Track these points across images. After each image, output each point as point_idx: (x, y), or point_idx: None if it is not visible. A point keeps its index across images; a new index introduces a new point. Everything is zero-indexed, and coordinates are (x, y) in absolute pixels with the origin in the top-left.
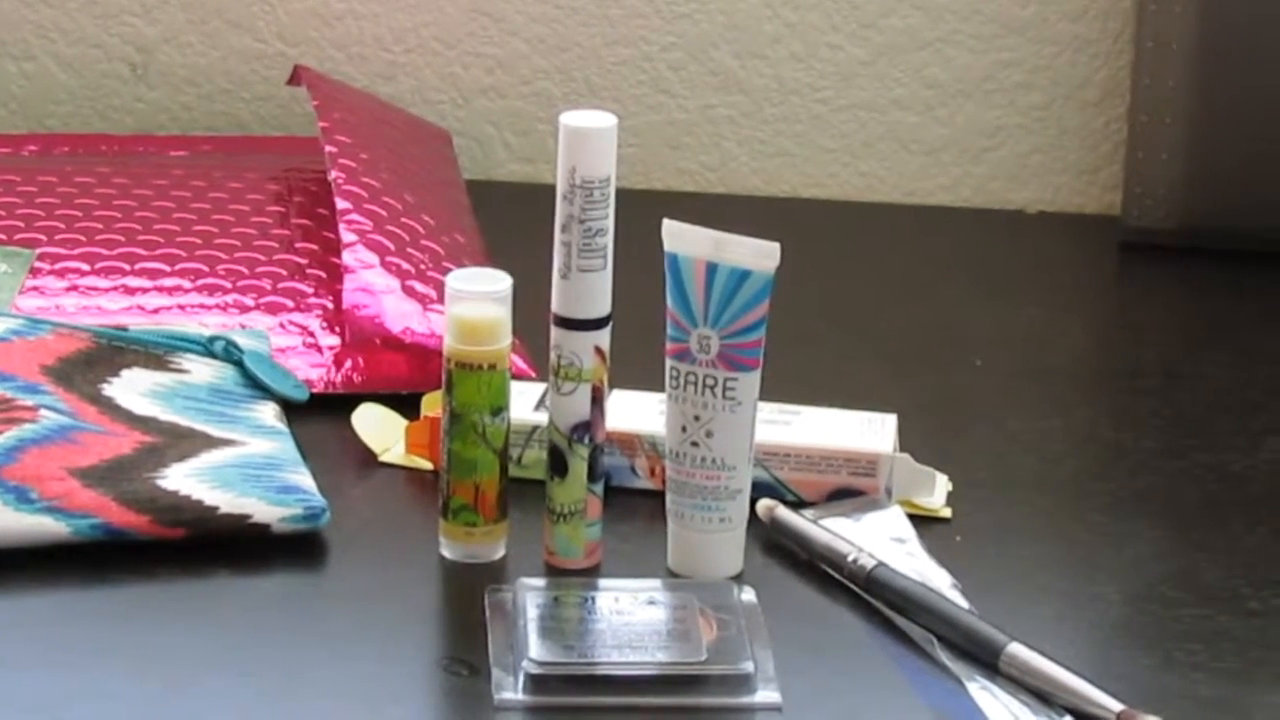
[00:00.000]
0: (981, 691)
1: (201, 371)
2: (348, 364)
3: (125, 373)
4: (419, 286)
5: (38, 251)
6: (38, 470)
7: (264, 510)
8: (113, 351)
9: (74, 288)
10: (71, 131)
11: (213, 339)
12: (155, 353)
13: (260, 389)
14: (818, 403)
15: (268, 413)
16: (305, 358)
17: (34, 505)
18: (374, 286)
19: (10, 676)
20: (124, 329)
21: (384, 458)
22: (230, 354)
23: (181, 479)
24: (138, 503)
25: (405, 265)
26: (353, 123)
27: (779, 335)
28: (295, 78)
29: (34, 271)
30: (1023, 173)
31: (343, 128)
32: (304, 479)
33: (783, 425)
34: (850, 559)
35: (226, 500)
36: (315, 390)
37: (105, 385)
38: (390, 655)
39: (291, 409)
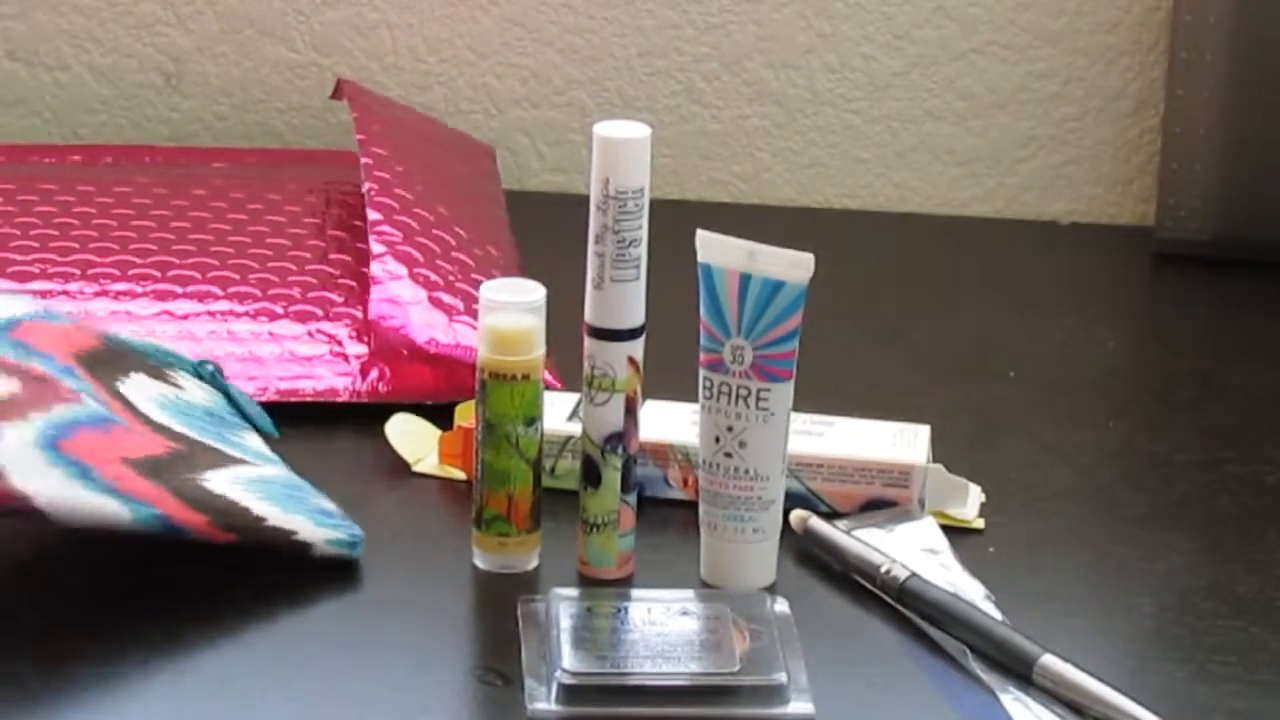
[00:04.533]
0: (1015, 703)
1: (196, 392)
2: (374, 374)
3: (134, 375)
4: (446, 298)
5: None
6: (93, 452)
7: (310, 530)
8: (118, 354)
9: (103, 292)
10: (106, 141)
11: (202, 363)
12: (152, 363)
13: (245, 418)
14: (851, 413)
15: (260, 442)
16: (332, 366)
17: (97, 484)
18: (400, 297)
19: (29, 677)
20: (119, 337)
21: (417, 468)
22: (217, 381)
23: (227, 485)
24: (195, 501)
25: (434, 277)
26: (391, 136)
27: (812, 346)
28: (338, 91)
29: (65, 277)
30: (1056, 184)
31: (380, 140)
32: (334, 507)
33: (815, 436)
34: (883, 570)
35: (274, 514)
36: (341, 400)
37: (120, 384)
38: (423, 665)
39: (320, 419)
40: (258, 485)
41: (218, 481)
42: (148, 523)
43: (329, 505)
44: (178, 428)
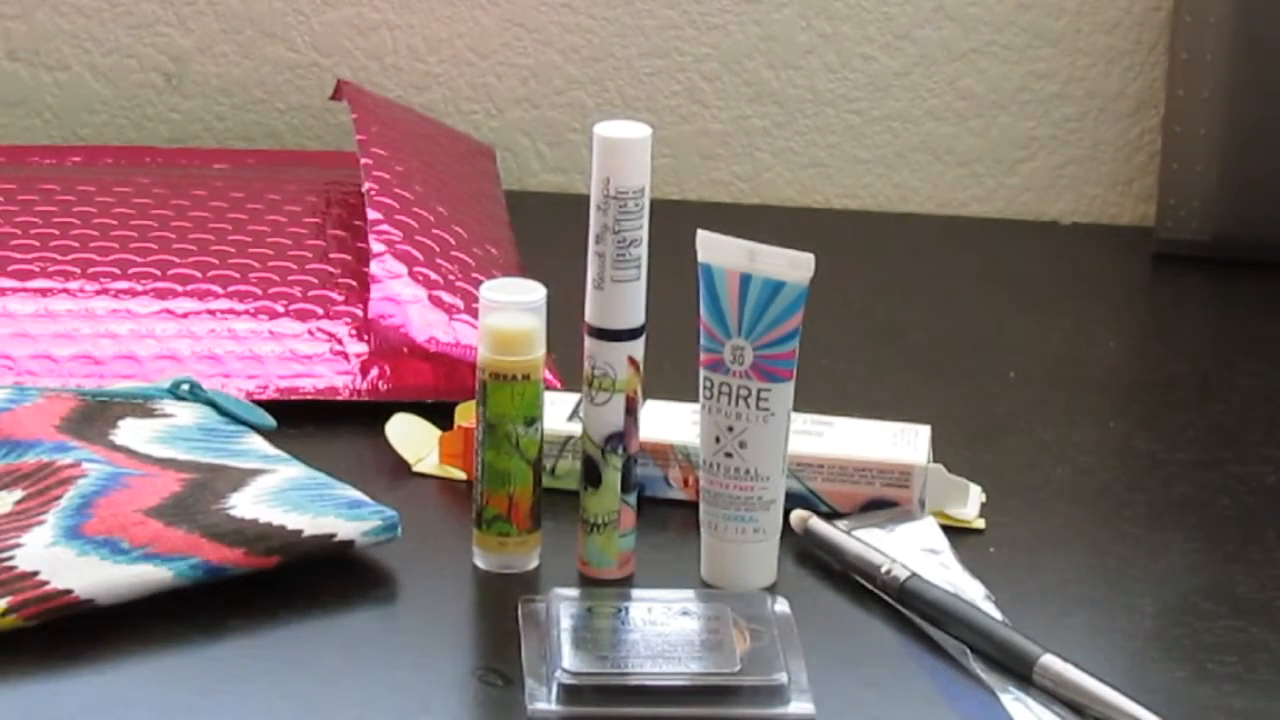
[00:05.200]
0: (1015, 703)
1: (184, 414)
2: (374, 372)
3: (122, 423)
4: (446, 296)
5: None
6: (117, 520)
7: (345, 527)
8: (101, 406)
9: (104, 290)
10: (106, 142)
11: (176, 383)
12: (136, 402)
13: (239, 422)
14: (851, 413)
15: (263, 442)
16: (332, 365)
17: (129, 555)
18: (400, 296)
19: (31, 677)
20: (96, 389)
21: (417, 468)
22: (198, 395)
23: (251, 506)
24: (227, 536)
25: (434, 275)
26: (390, 136)
27: (812, 346)
28: (338, 93)
29: (65, 275)
30: (1056, 184)
31: (380, 141)
32: (359, 494)
33: (816, 436)
34: (884, 570)
35: (307, 522)
36: (341, 398)
37: (114, 435)
38: (423, 665)
39: (321, 419)
40: (281, 496)
41: (243, 505)
42: (191, 575)
43: (353, 494)
44: (184, 456)
